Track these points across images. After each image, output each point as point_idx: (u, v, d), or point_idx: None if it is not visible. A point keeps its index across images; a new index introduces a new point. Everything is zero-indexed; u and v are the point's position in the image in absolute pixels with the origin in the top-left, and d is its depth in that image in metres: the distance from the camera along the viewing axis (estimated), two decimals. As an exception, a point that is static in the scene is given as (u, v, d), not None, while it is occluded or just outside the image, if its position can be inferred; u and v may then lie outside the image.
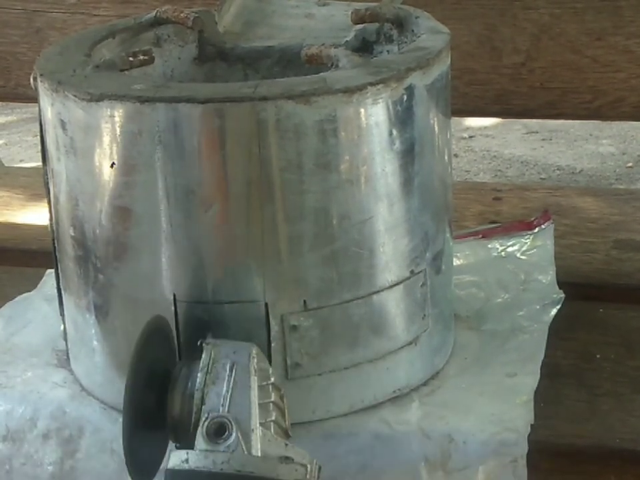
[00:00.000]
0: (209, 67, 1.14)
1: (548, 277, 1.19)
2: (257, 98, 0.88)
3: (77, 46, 1.05)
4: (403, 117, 0.93)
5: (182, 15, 1.09)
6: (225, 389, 0.83)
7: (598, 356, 1.08)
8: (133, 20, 1.11)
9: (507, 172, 3.21)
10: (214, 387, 0.84)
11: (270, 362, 0.91)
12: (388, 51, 1.08)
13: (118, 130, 0.91)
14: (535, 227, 1.30)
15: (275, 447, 0.83)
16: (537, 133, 3.45)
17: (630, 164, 3.23)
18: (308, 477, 0.82)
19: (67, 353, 1.08)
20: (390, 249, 0.95)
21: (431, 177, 0.99)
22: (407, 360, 1.00)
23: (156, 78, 1.08)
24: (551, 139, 3.41)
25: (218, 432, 0.81)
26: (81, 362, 1.04)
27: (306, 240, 0.92)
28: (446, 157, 1.02)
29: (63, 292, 1.05)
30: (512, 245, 1.27)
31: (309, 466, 0.83)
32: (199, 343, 0.87)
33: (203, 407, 0.83)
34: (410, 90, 0.93)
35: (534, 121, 3.19)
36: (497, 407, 0.97)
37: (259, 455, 0.81)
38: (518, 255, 1.25)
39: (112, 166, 0.92)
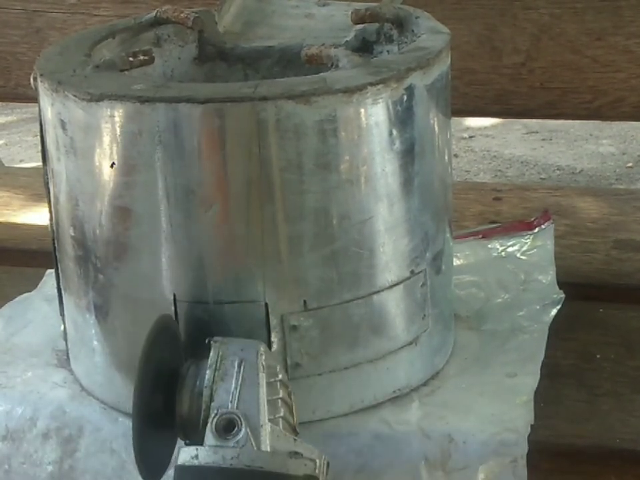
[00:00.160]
0: (209, 67, 1.14)
1: (548, 277, 1.19)
2: (256, 98, 0.88)
3: (77, 46, 1.05)
4: (403, 117, 0.93)
5: (182, 15, 1.09)
6: (233, 385, 0.84)
7: (598, 356, 1.08)
8: (133, 20, 1.11)
9: (506, 172, 3.22)
10: (222, 384, 0.84)
11: (270, 362, 0.91)
12: (388, 51, 1.08)
13: (118, 130, 0.91)
14: (535, 227, 1.30)
15: (284, 442, 0.83)
16: (537, 133, 3.45)
17: (630, 164, 3.23)
18: (317, 471, 0.83)
19: (67, 353, 1.08)
20: (390, 249, 0.95)
21: (431, 177, 0.99)
22: (407, 360, 1.00)
23: (156, 78, 1.08)
24: (551, 139, 3.42)
25: (227, 428, 0.82)
26: (81, 362, 1.04)
27: (306, 240, 0.92)
28: (446, 157, 1.02)
29: (63, 292, 1.05)
30: (512, 245, 1.27)
31: (317, 461, 0.83)
32: (206, 341, 0.87)
33: (212, 403, 0.83)
34: (410, 90, 0.93)
35: (534, 121, 3.19)
36: (497, 407, 0.97)
37: (268, 450, 0.82)
38: (518, 255, 1.25)
39: (112, 166, 0.92)
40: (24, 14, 1.58)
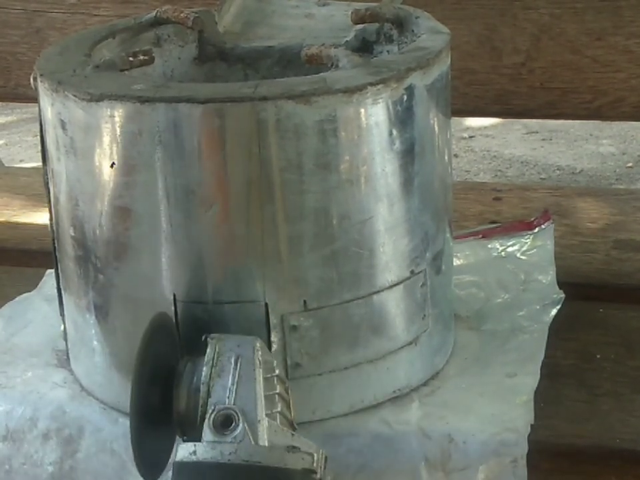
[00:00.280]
0: (209, 67, 1.14)
1: (548, 277, 1.19)
2: (256, 98, 0.88)
3: (77, 46, 1.05)
4: (403, 117, 0.93)
5: (182, 15, 1.09)
6: (230, 381, 0.84)
7: (598, 356, 1.08)
8: (133, 20, 1.11)
9: (507, 172, 3.22)
10: (219, 380, 0.84)
11: (270, 362, 0.91)
12: (388, 51, 1.08)
13: (118, 130, 0.91)
14: (535, 227, 1.30)
15: (282, 437, 0.83)
16: (537, 133, 3.45)
17: (630, 164, 3.23)
18: (315, 465, 0.83)
19: (67, 353, 1.08)
20: (390, 249, 0.95)
21: (431, 177, 0.99)
22: (407, 360, 1.00)
23: (156, 78, 1.08)
24: (551, 139, 3.42)
25: (224, 423, 0.82)
26: (81, 362, 1.04)
27: (306, 240, 0.92)
28: (446, 157, 1.02)
29: (63, 292, 1.05)
30: (512, 245, 1.27)
31: (315, 455, 0.83)
32: (203, 338, 0.87)
33: (209, 399, 0.83)
34: (410, 90, 0.93)
35: (534, 120, 3.19)
36: (497, 407, 0.97)
37: (266, 445, 0.82)
38: (518, 255, 1.25)
39: (112, 166, 0.92)
40: (24, 14, 1.58)
